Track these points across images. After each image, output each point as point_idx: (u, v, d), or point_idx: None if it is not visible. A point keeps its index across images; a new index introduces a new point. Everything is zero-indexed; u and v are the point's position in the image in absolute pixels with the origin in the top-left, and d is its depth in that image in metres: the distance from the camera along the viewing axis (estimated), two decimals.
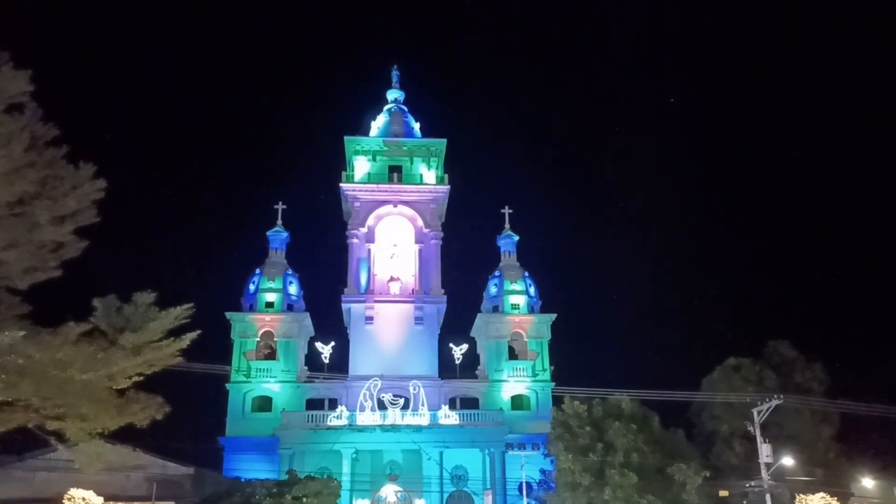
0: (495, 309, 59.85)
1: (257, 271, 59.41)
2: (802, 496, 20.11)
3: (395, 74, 67.94)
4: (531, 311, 59.56)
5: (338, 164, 62.65)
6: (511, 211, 62.70)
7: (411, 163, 62.18)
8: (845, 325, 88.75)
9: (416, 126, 65.52)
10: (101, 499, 18.34)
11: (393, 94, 66.96)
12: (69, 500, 17.95)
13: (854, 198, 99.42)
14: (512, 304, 59.71)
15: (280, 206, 61.40)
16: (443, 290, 58.58)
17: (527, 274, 61.16)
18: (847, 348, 79.85)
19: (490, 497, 44.03)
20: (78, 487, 27.67)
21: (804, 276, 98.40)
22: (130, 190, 76.60)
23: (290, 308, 58.50)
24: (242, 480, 40.62)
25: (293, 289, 59.64)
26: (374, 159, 62.01)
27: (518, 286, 60.21)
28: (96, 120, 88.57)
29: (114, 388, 19.07)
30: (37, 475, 34.06)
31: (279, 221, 61.23)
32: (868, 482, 41.08)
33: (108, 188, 19.32)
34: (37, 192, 18.06)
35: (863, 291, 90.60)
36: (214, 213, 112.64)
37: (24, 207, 18.23)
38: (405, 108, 66.45)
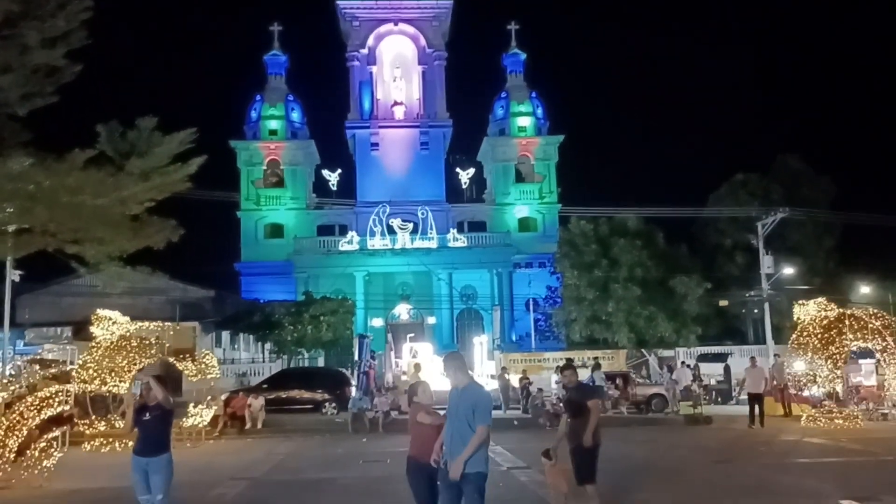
0: (502, 132, 59.04)
1: (258, 97, 58.13)
2: (801, 302, 20.84)
3: None
4: (538, 132, 58.76)
5: None
6: (518, 27, 59.97)
7: None
8: (856, 136, 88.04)
9: None
10: (127, 318, 19.10)
11: None
12: (97, 319, 18.71)
13: (866, 12, 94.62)
14: (519, 127, 58.82)
15: (276, 28, 58.89)
16: (448, 114, 57.56)
17: (534, 94, 59.58)
18: (856, 159, 79.91)
19: (498, 313, 45.85)
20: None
21: (816, 90, 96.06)
22: (120, 13, 73.45)
23: (294, 135, 57.93)
24: (262, 302, 42.42)
25: (296, 115, 58.69)
26: None
27: (525, 107, 58.97)
28: None
29: (127, 213, 19.24)
30: (63, 300, 35.66)
31: (276, 44, 58.92)
32: (865, 289, 42.39)
33: (95, 8, 18.53)
34: (22, 11, 17.28)
35: (873, 103, 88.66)
36: (206, 37, 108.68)
37: (11, 29, 17.59)
38: None
